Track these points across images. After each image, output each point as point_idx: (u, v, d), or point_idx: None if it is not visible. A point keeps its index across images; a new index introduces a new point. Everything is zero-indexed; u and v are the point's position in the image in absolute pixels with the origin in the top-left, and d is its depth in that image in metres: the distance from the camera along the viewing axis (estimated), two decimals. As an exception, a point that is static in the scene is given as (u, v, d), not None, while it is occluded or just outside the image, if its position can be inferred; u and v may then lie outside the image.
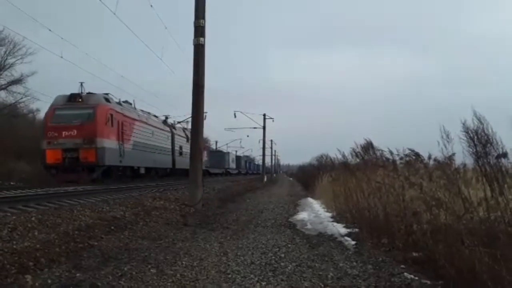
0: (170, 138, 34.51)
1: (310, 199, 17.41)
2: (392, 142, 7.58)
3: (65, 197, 11.40)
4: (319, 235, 7.94)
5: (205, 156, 44.10)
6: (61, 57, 19.77)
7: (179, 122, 40.42)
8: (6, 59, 36.50)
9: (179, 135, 37.35)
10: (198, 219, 10.14)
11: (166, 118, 37.52)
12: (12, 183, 20.15)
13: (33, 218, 7.43)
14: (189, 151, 36.55)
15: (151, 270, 5.00)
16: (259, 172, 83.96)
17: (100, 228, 7.66)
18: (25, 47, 35.77)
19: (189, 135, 37.48)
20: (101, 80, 57.22)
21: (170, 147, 34.32)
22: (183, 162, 34.42)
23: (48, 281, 4.53)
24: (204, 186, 13.64)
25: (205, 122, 13.87)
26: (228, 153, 72.08)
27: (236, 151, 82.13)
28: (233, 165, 73.97)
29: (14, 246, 5.61)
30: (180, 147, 36.94)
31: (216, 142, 76.48)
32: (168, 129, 34.79)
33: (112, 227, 7.91)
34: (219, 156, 64.02)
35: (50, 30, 22.07)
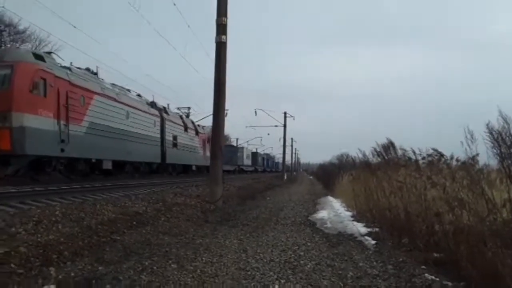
0: (158, 124, 26.98)
1: (330, 198, 17.34)
2: (414, 142, 7.51)
3: (89, 192, 11.60)
4: (339, 234, 7.91)
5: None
6: (85, 53, 19.57)
7: (199, 120, 39.71)
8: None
9: (172, 122, 29.97)
10: (219, 216, 10.20)
11: (159, 104, 29.64)
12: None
13: (57, 212, 7.58)
14: (187, 142, 32.10)
15: (172, 265, 5.07)
16: (278, 170, 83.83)
17: (123, 223, 7.78)
18: (51, 43, 36.06)
19: (188, 124, 33.85)
20: (128, 78, 57.90)
21: (158, 135, 26.76)
22: (178, 156, 30.23)
23: (71, 274, 4.63)
24: (224, 183, 13.69)
25: (226, 119, 13.92)
26: (242, 148, 66.11)
27: (256, 149, 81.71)
28: (248, 161, 68.10)
29: (39, 239, 5.73)
30: (174, 137, 29.92)
31: (237, 140, 76.45)
32: (155, 112, 26.88)
33: (134, 222, 8.02)
34: (230, 151, 53.69)
35: (74, 27, 21.90)
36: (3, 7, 20.13)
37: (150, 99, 27.96)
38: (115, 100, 20.77)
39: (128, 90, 23.84)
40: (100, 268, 4.91)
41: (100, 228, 7.04)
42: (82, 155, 17.74)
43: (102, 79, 20.79)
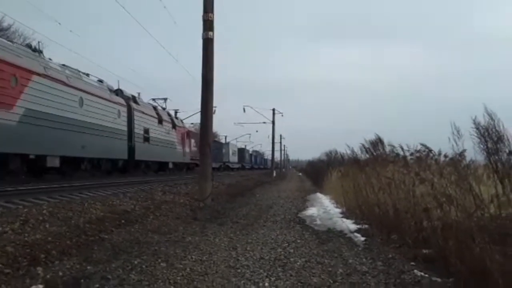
0: (124, 115, 22.94)
1: (319, 195, 17.39)
2: (402, 139, 7.54)
3: (77, 190, 11.50)
4: (328, 231, 7.93)
5: (193, 145, 36.51)
6: (70, 50, 18.45)
7: (187, 118, 38.30)
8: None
9: (143, 113, 25.81)
10: (208, 213, 10.17)
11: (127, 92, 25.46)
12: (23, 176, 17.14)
13: (44, 211, 7.51)
14: (162, 136, 29.10)
15: (161, 264, 5.04)
16: (267, 167, 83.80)
17: (111, 221, 7.73)
18: (35, 40, 35.46)
19: (163, 116, 29.46)
20: (112, 74, 57.28)
21: (124, 128, 22.66)
22: (151, 152, 26.41)
23: (59, 273, 4.58)
24: (213, 180, 13.66)
25: (214, 116, 13.87)
26: (228, 143, 64.01)
27: (245, 146, 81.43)
28: (234, 158, 65.53)
29: (26, 239, 5.67)
30: (146, 130, 25.83)
31: (226, 137, 76.25)
32: (120, 101, 22.79)
33: (123, 221, 7.97)
34: (215, 148, 48.53)
35: (59, 23, 21.65)
36: None
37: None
38: (64, 83, 16.88)
39: (87, 75, 19.74)
40: (88, 267, 4.87)
41: (88, 227, 6.98)
42: (13, 150, 13.81)
43: (50, 59, 17.04)
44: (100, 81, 21.32)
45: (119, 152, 22.02)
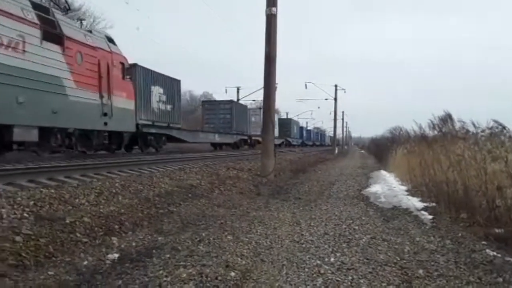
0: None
1: (383, 172, 17.06)
2: (471, 115, 7.23)
3: (146, 165, 11.97)
4: (393, 209, 7.80)
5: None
6: (138, 29, 18.49)
7: (248, 95, 36.26)
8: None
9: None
10: (271, 189, 10.29)
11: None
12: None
13: (117, 184, 7.89)
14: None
15: (228, 237, 5.18)
16: (329, 144, 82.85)
17: (179, 195, 8.02)
18: (105, 20, 36.02)
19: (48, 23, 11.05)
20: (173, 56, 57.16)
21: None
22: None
23: (133, 244, 4.84)
24: (276, 157, 13.75)
25: (276, 93, 13.85)
26: (290, 120, 60.15)
27: (306, 122, 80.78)
28: (296, 134, 62.10)
29: (101, 210, 6.00)
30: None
31: (287, 113, 75.93)
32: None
33: (190, 195, 8.24)
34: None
35: (127, 3, 20.80)
36: None
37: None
38: None
39: None
40: (159, 238, 5.10)
41: (157, 200, 7.29)
42: None
43: None
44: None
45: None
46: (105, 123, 14.65)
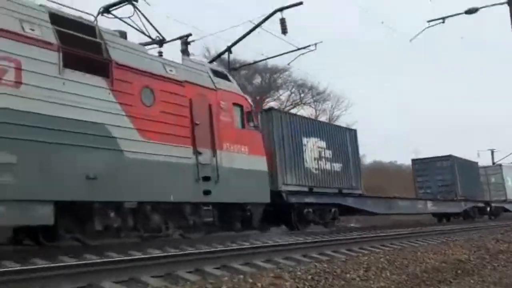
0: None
1: None
2: None
3: (404, 238, 11.84)
4: None
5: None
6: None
7: None
8: (333, 112, 44.79)
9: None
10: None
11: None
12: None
13: (381, 259, 8.03)
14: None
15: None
16: None
17: (446, 271, 7.68)
18: (346, 100, 42.76)
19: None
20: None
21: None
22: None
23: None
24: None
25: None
26: None
27: None
28: None
29: (372, 286, 6.20)
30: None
31: None
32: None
33: (459, 271, 7.80)
34: None
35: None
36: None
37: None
38: None
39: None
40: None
41: (425, 276, 7.13)
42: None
43: None
44: None
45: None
46: (206, 192, 10.34)
